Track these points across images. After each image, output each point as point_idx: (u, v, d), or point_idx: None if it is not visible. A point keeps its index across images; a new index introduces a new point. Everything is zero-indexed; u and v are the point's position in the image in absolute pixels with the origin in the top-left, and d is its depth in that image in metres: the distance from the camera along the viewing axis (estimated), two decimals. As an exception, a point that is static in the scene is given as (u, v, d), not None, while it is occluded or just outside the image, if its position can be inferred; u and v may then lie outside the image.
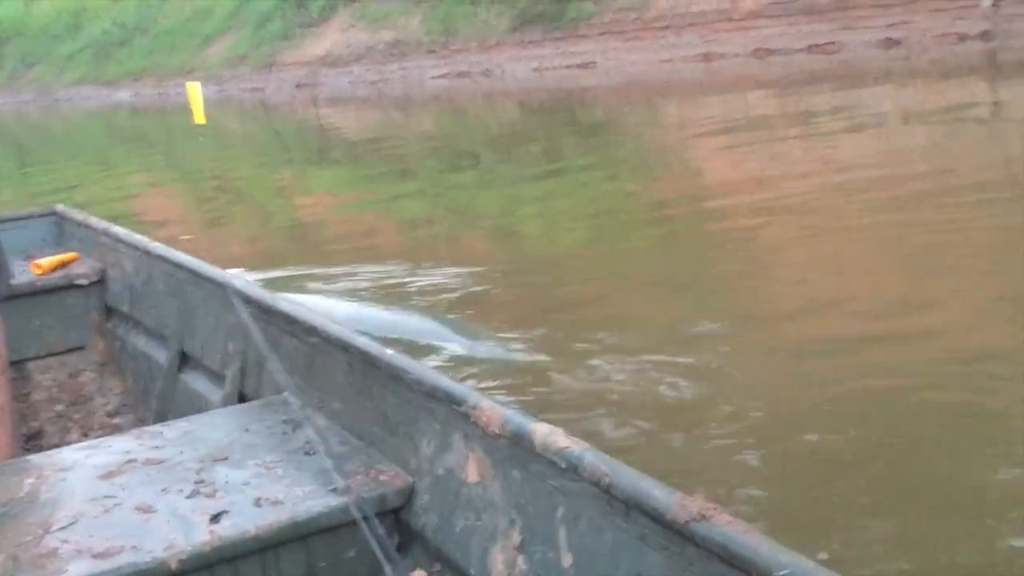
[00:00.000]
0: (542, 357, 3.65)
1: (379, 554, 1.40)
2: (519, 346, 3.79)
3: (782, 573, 0.97)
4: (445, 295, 4.64)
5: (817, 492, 2.56)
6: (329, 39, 21.45)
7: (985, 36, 12.93)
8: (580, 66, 16.67)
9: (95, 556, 1.41)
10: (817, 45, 14.40)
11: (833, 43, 14.32)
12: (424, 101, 16.80)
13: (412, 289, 4.82)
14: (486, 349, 3.72)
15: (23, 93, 28.94)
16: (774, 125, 9.57)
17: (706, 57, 15.35)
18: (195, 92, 3.01)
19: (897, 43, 13.82)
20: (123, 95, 25.60)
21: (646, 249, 5.54)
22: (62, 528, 1.50)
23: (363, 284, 4.90)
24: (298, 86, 20.53)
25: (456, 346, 3.74)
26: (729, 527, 1.05)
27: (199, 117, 2.96)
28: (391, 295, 4.67)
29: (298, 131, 15.38)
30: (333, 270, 5.15)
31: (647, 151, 9.39)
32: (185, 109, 19.98)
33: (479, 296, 4.62)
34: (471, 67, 18.20)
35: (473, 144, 11.39)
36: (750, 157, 8.03)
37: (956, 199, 5.55)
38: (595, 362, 3.54)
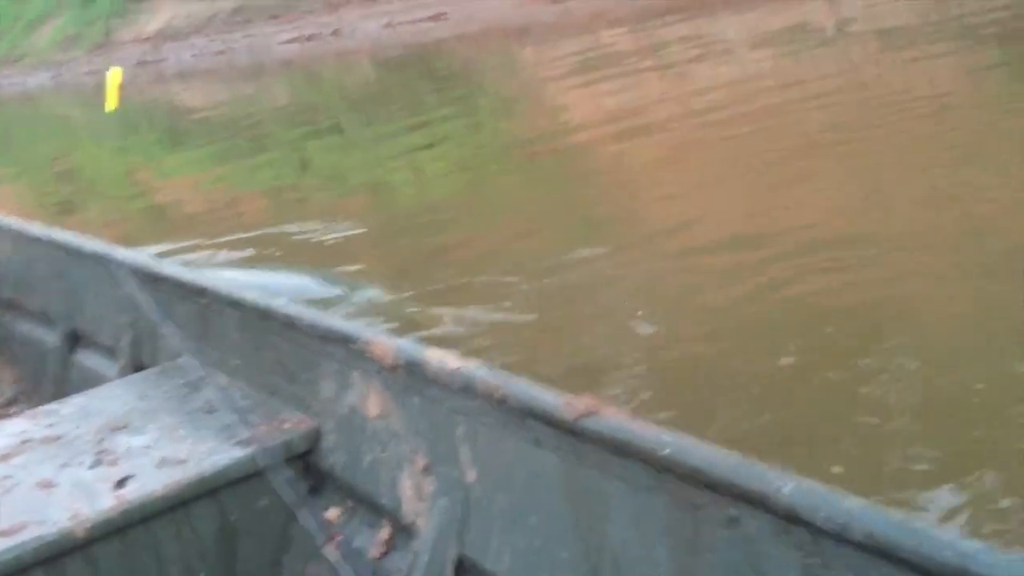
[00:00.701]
0: (423, 302, 3.72)
1: (289, 500, 1.44)
2: (401, 293, 3.85)
3: (665, 452, 1.04)
4: (318, 253, 4.64)
5: (694, 392, 2.74)
6: (166, 12, 20.61)
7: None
8: (431, 19, 16.56)
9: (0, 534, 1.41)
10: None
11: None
12: (275, 68, 16.39)
13: (281, 252, 4.79)
14: (366, 299, 3.76)
15: None
16: (628, 59, 9.79)
17: (556, -1, 15.50)
18: (117, 77, 2.88)
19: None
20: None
21: (515, 189, 5.65)
22: None
23: (234, 254, 4.85)
24: (138, 63, 19.69)
25: (336, 299, 3.77)
26: (614, 418, 1.11)
27: (112, 104, 2.83)
28: (261, 260, 4.64)
29: (145, 111, 14.80)
30: (198, 242, 5.06)
31: (506, 95, 9.48)
32: (18, 99, 18.84)
33: (353, 251, 4.64)
34: (320, 28, 17.83)
35: (330, 107, 11.23)
36: (606, 92, 8.22)
37: (802, 108, 5.87)
38: (476, 298, 3.64)
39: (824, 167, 4.61)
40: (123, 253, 2.24)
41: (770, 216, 4.13)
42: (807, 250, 3.59)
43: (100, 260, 2.31)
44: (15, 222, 2.87)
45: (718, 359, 2.93)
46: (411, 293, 3.82)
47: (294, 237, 5.09)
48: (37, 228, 2.73)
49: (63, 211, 7.68)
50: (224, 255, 4.83)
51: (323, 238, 4.89)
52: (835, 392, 2.58)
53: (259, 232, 5.25)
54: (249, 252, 4.87)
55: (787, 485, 0.93)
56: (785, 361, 2.84)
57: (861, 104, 5.85)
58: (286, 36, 18.21)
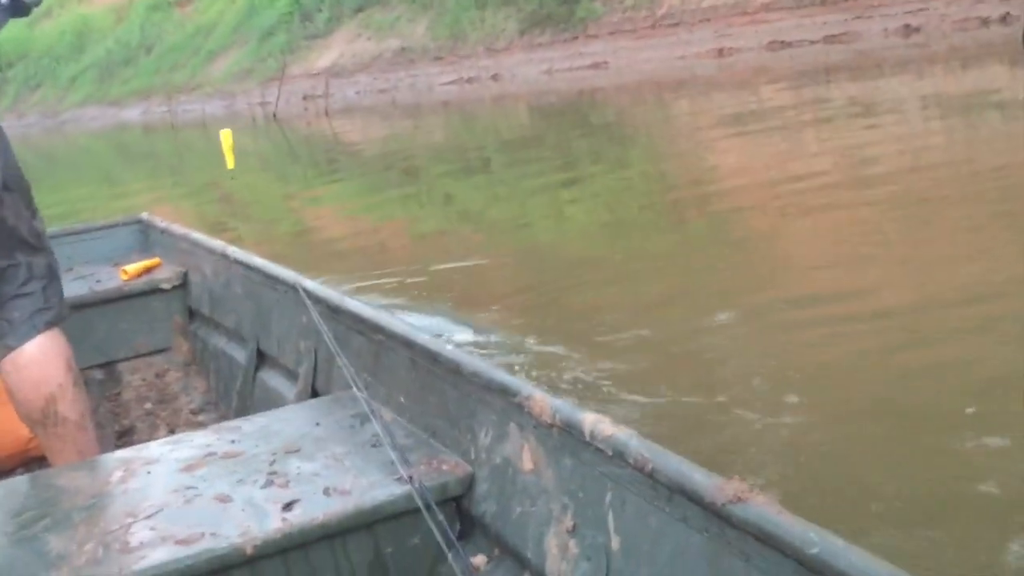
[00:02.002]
0: (563, 349, 3.76)
1: (441, 541, 1.47)
2: (525, 339, 3.90)
3: (812, 551, 1.03)
4: (450, 291, 4.76)
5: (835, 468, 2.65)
6: (335, 50, 21.73)
7: (1006, 19, 12.96)
8: (591, 67, 16.82)
9: (177, 542, 1.52)
10: (833, 36, 14.48)
11: (849, 33, 14.39)
12: (433, 108, 16.99)
13: (415, 285, 4.94)
14: (490, 342, 3.83)
15: (28, 116, 29.43)
16: (787, 118, 9.65)
17: (720, 52, 15.46)
18: (228, 139, 3.17)
19: (916, 30, 13.88)
20: (130, 114, 25.99)
21: (656, 246, 5.63)
22: (147, 517, 1.62)
23: (377, 290, 5.03)
24: (305, 98, 20.79)
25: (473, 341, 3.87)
26: (763, 507, 1.11)
27: (231, 163, 3.13)
28: (405, 298, 4.79)
29: (307, 143, 15.60)
30: (346, 277, 5.29)
31: (658, 149, 9.49)
32: (193, 125, 20.22)
33: (485, 292, 4.74)
34: (480, 72, 18.39)
35: (482, 148, 11.53)
36: (761, 151, 8.11)
37: (973, 188, 5.62)
38: (609, 355, 3.65)
39: (993, 244, 4.39)
40: (311, 284, 2.39)
41: (925, 290, 3.97)
42: (961, 330, 3.44)
43: (290, 287, 2.47)
44: (217, 244, 3.11)
45: (856, 438, 2.83)
46: (535, 340, 3.86)
47: (429, 272, 5.25)
48: (236, 250, 2.96)
49: (217, 230, 8.17)
50: (359, 284, 5.02)
51: (456, 276, 5.02)
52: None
53: (396, 265, 5.43)
54: (384, 281, 5.04)
55: None
56: (931, 443, 2.72)
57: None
58: (447, 78, 18.87)
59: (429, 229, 7.18)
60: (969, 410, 2.87)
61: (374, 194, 9.09)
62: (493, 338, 3.99)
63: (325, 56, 21.83)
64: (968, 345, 3.36)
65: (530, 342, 3.88)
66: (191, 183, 12.30)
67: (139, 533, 1.58)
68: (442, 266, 5.41)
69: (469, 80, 18.44)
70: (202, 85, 24.70)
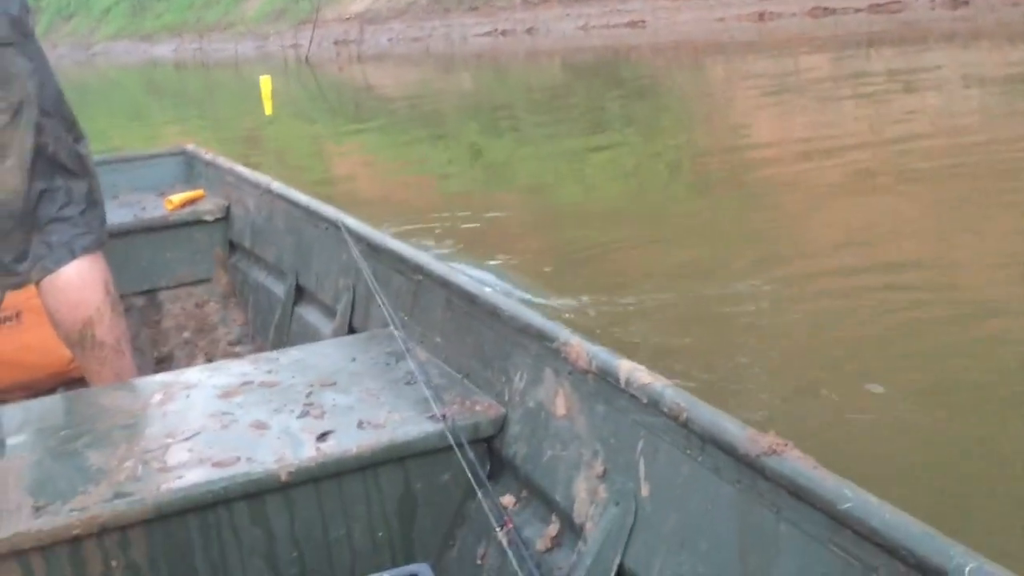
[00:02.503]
0: (581, 306, 3.82)
1: (471, 479, 1.50)
2: (561, 299, 3.96)
3: (845, 506, 1.03)
4: (471, 240, 4.83)
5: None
6: (370, -6, 21.61)
7: (1057, -4, 12.72)
8: (628, 25, 16.66)
9: (214, 464, 1.57)
10: (878, 4, 14.26)
11: (895, 2, 14.16)
12: (466, 59, 16.91)
13: (438, 234, 5.00)
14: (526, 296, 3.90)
15: (60, 47, 29.51)
16: (824, 85, 9.57)
17: (761, 16, 15.26)
18: (267, 86, 3.22)
19: (964, 3, 13.64)
20: (161, 50, 26.02)
21: (680, 207, 5.66)
22: (185, 439, 1.67)
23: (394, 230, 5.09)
24: (337, 42, 20.74)
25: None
26: (798, 462, 1.11)
27: (268, 109, 3.19)
28: (419, 238, 4.86)
29: (338, 90, 15.60)
30: (362, 214, 5.34)
31: (691, 112, 9.45)
32: (224, 64, 20.19)
33: (505, 243, 4.79)
34: (515, 25, 18.26)
35: (513, 103, 11.51)
36: (795, 117, 8.06)
37: (1011, 164, 5.58)
38: (630, 316, 3.70)
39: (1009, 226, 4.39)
40: (351, 221, 2.42)
41: (958, 264, 3.99)
42: (996, 303, 3.47)
43: (331, 224, 2.51)
44: (261, 178, 3.15)
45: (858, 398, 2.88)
46: (555, 297, 3.92)
47: (451, 221, 5.30)
48: (279, 185, 3.00)
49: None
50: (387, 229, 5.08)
51: (478, 226, 5.06)
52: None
53: (420, 218, 5.49)
54: (406, 229, 5.11)
55: (969, 564, 0.90)
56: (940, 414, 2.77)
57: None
58: (481, 29, 18.75)
59: (456, 185, 7.22)
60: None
61: (402, 146, 9.12)
62: (513, 292, 4.05)
63: (359, 1, 21.72)
64: (1004, 320, 3.39)
65: (551, 299, 3.93)
66: (224, 125, 12.37)
67: (177, 454, 1.62)
68: (467, 224, 5.46)
69: (503, 33, 18.32)
70: (235, 24, 24.67)
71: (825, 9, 14.68)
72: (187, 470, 1.56)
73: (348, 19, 21.38)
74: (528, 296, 3.96)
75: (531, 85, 13.11)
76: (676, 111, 9.63)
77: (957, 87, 8.84)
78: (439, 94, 13.00)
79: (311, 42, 20.09)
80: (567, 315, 3.74)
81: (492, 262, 4.53)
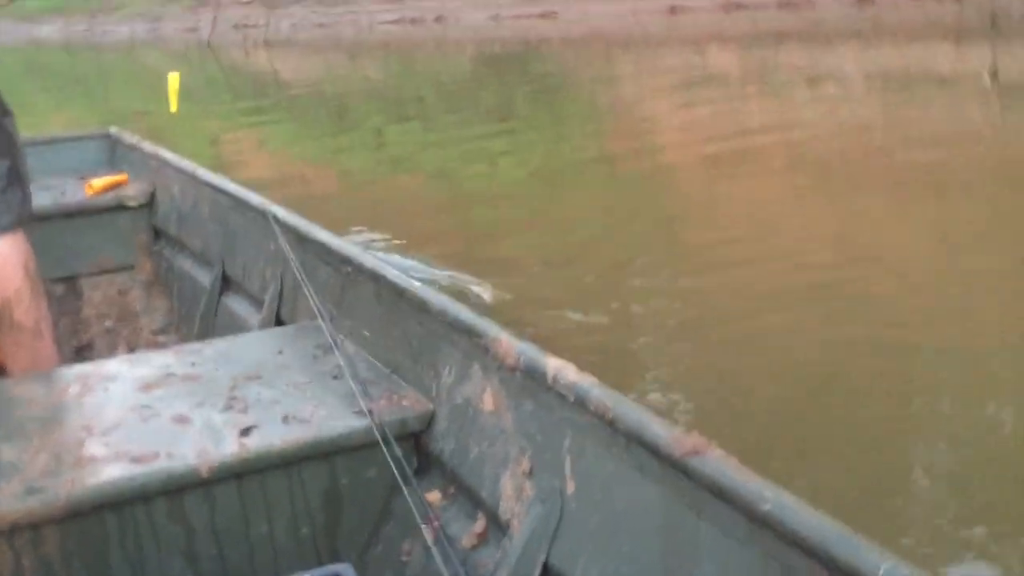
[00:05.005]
0: (480, 287, 4.14)
1: (397, 475, 1.53)
2: (462, 280, 4.26)
3: (765, 507, 1.08)
4: (370, 225, 5.11)
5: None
6: (271, -22, 21.57)
7: (959, -3, 13.56)
8: (540, 16, 17.05)
9: (132, 460, 1.58)
10: (789, 2, 14.95)
11: (804, 0, 14.87)
12: (372, 48, 17.09)
13: (345, 232, 5.26)
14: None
15: (-70, 26, 28.52)
16: (730, 81, 10.09)
17: (672, 10, 15.83)
18: (175, 83, 3.33)
19: (870, 2, 14.41)
20: (45, 30, 25.45)
21: (582, 198, 6.03)
22: (103, 433, 1.67)
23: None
24: (236, 27, 20.67)
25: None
26: (719, 461, 1.17)
27: (174, 106, 3.30)
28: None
29: (236, 76, 15.61)
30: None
31: (598, 105, 9.86)
32: (115, 48, 19.77)
33: (407, 229, 5.08)
34: (424, 13, 18.49)
35: (419, 94, 11.77)
36: (701, 112, 8.54)
37: (902, 157, 6.12)
38: (529, 295, 4.04)
39: (908, 224, 4.86)
40: (280, 211, 2.45)
41: (843, 248, 4.44)
42: (869, 282, 3.91)
43: (259, 213, 2.54)
44: (187, 164, 3.17)
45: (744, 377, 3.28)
46: (455, 277, 4.23)
47: (355, 214, 5.57)
48: (206, 172, 3.03)
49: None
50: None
51: (380, 217, 5.34)
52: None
53: (322, 206, 5.74)
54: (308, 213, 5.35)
55: (884, 564, 0.96)
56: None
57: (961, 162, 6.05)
58: (389, 17, 18.91)
59: (359, 172, 7.48)
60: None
61: (306, 134, 9.32)
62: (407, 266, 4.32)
63: (260, -16, 21.66)
64: (873, 297, 3.83)
65: (450, 278, 4.23)
66: (120, 115, 12.32)
67: (94, 448, 1.62)
68: (369, 210, 5.74)
69: (412, 21, 18.53)
70: (125, 5, 24.29)
71: (737, 5, 15.32)
72: (104, 465, 1.57)
73: (248, 3, 21.31)
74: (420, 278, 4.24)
75: (439, 75, 13.39)
76: (583, 102, 10.04)
77: (859, 82, 9.45)
78: (346, 82, 13.18)
79: (214, 26, 19.97)
80: (464, 293, 4.05)
81: (387, 242, 4.81)
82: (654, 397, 3.12)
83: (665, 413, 2.97)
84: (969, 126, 7.15)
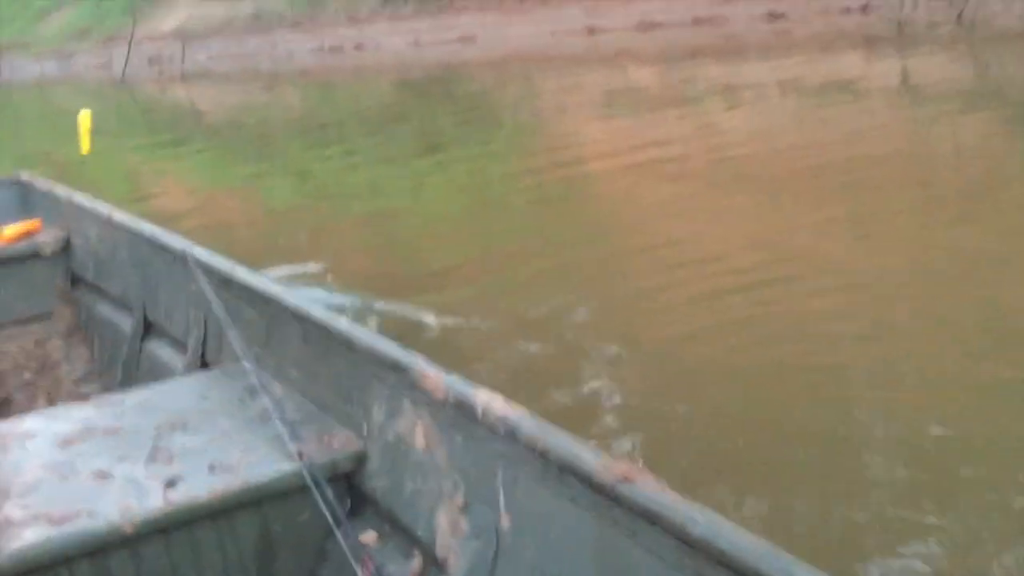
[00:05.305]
0: (409, 308, 4.14)
1: (330, 518, 1.53)
2: (389, 303, 4.26)
3: (696, 530, 1.12)
4: (305, 265, 5.08)
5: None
6: (183, 12, 21.36)
7: (866, 9, 14.02)
8: (460, 40, 17.18)
9: (51, 522, 1.54)
10: (701, 18, 15.29)
11: (717, 16, 15.23)
12: (292, 77, 17.02)
13: (270, 263, 5.23)
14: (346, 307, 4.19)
15: None
16: (649, 96, 10.28)
17: (590, 31, 16.08)
18: (86, 122, 3.26)
19: (781, 16, 14.82)
20: (-53, 72, 24.84)
21: (515, 220, 6.08)
22: (20, 495, 1.63)
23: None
24: (150, 61, 20.40)
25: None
26: (650, 489, 1.19)
27: (85, 147, 3.23)
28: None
29: (150, 111, 15.41)
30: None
31: (522, 125, 9.97)
32: (26, 86, 19.30)
33: (346, 273, 5.07)
34: (342, 41, 18.49)
35: (342, 123, 11.76)
36: (621, 127, 8.69)
37: (814, 162, 6.30)
38: (455, 312, 4.06)
39: (819, 223, 5.01)
40: (200, 252, 2.43)
41: (758, 254, 4.56)
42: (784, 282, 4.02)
43: (178, 255, 2.50)
44: (102, 206, 3.11)
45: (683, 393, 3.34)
46: (383, 302, 4.24)
47: (278, 244, 5.54)
48: (122, 215, 2.97)
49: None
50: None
51: (305, 246, 5.31)
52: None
53: (245, 239, 5.70)
54: (228, 248, 5.30)
55: None
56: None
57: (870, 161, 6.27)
58: (307, 46, 18.87)
59: (282, 201, 7.43)
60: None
61: (227, 167, 9.24)
62: (337, 300, 4.32)
63: (171, 17, 21.42)
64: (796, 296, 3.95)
65: (378, 304, 4.24)
66: (28, 155, 12.06)
67: (11, 511, 1.58)
68: (293, 239, 5.72)
69: (331, 49, 18.52)
70: (32, 44, 23.82)
71: (651, 23, 15.62)
72: (21, 529, 1.53)
73: (161, 37, 21.06)
74: (348, 303, 4.23)
75: (360, 101, 13.39)
76: (505, 122, 10.14)
77: (773, 92, 9.72)
78: (265, 112, 13.09)
79: (127, 61, 19.68)
80: (390, 318, 4.05)
81: (312, 274, 4.80)
82: (588, 414, 3.16)
83: (600, 430, 3.02)
84: (880, 127, 7.41)
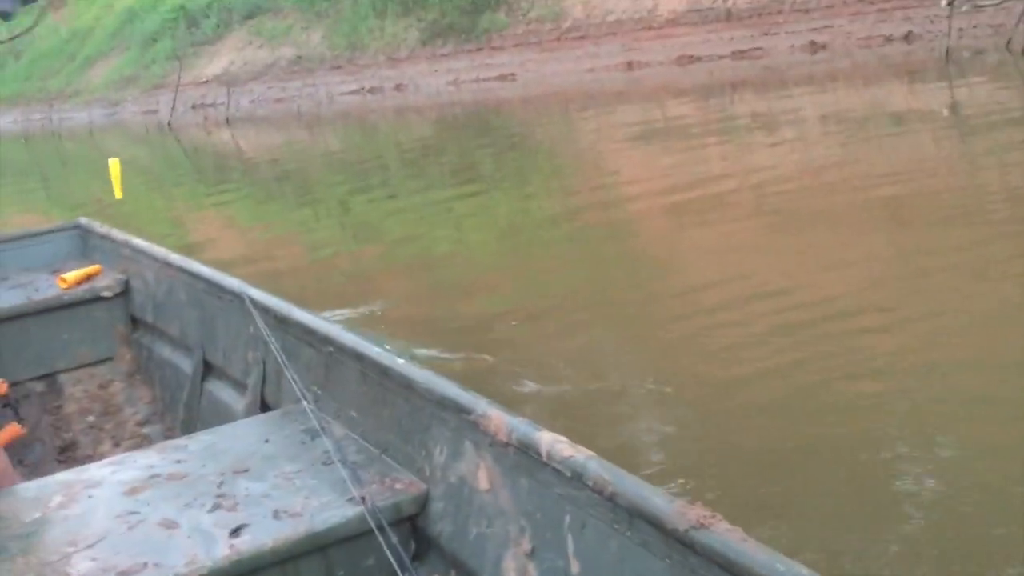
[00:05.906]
0: (452, 354, 4.19)
1: (394, 563, 1.52)
2: (432, 349, 4.31)
3: None
4: (350, 309, 5.15)
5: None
6: (225, 57, 21.84)
7: (908, 37, 13.97)
8: (499, 78, 17.37)
9: (119, 573, 1.55)
10: (741, 51, 15.34)
11: (757, 49, 15.27)
12: (332, 119, 17.29)
13: (317, 306, 5.31)
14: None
15: None
16: (691, 131, 10.31)
17: (629, 66, 16.19)
18: (116, 168, 3.40)
19: (822, 47, 14.82)
20: (2, 122, 25.57)
21: (555, 256, 6.12)
22: (88, 546, 1.64)
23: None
24: (195, 106, 20.85)
25: None
26: (727, 535, 1.16)
27: (118, 192, 3.36)
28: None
29: (195, 154, 15.73)
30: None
31: (562, 163, 10.04)
32: (74, 133, 19.80)
33: (392, 318, 5.14)
34: (382, 82, 18.77)
35: (382, 162, 11.92)
36: (663, 164, 8.71)
37: (863, 197, 6.28)
38: (501, 357, 4.10)
39: (868, 261, 4.98)
40: (257, 293, 2.47)
41: (806, 294, 4.55)
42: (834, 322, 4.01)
43: (236, 296, 2.55)
44: (159, 250, 3.19)
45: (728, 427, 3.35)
46: (426, 347, 4.29)
47: (323, 288, 5.62)
48: (178, 258, 3.05)
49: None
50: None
51: (350, 290, 5.38)
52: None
53: (292, 281, 5.80)
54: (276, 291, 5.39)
55: None
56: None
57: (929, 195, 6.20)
58: (348, 87, 19.18)
59: (326, 245, 7.54)
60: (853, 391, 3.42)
61: (271, 211, 9.39)
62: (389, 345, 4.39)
63: (214, 63, 21.91)
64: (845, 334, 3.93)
65: (420, 350, 4.29)
66: (73, 202, 12.36)
67: (80, 564, 1.59)
68: (338, 285, 5.80)
69: (371, 90, 18.80)
70: (80, 92, 24.47)
71: (691, 57, 15.69)
72: None
73: (204, 82, 21.53)
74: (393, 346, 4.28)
75: (401, 142, 13.57)
76: (547, 160, 10.22)
77: (815, 125, 9.70)
78: (308, 154, 13.32)
79: (174, 107, 20.15)
80: (435, 361, 4.08)
81: (357, 313, 4.87)
82: (644, 456, 3.17)
83: (657, 472, 3.03)
84: (930, 159, 7.36)
